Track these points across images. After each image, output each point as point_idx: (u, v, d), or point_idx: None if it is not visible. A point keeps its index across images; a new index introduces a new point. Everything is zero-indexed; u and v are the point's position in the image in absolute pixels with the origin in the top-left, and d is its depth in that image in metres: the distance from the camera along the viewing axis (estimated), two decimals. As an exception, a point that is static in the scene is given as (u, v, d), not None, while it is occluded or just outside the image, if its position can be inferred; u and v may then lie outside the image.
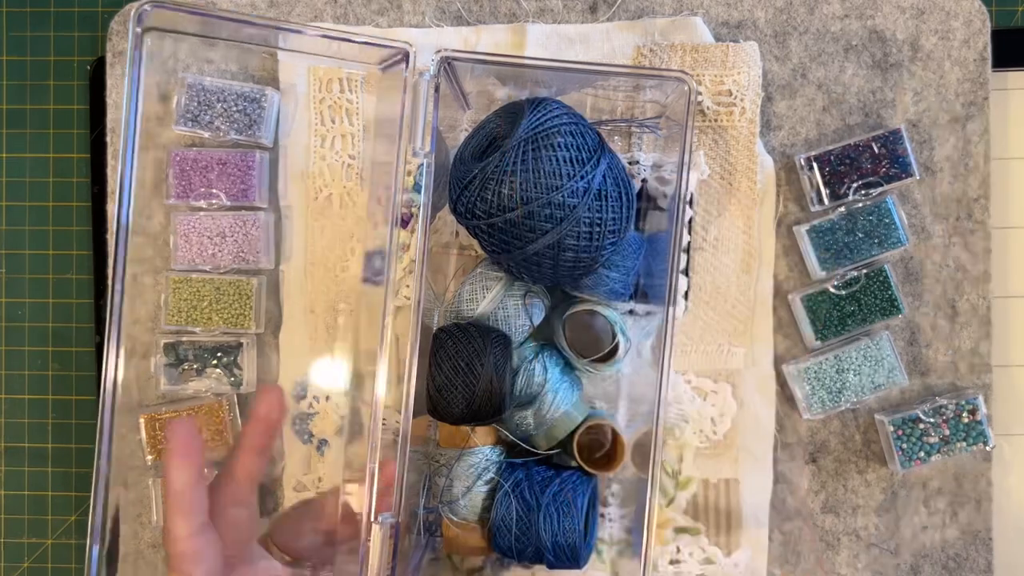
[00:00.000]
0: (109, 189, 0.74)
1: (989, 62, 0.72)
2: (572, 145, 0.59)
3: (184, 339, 0.74)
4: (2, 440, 0.78)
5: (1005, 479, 0.75)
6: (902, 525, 0.73)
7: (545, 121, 0.60)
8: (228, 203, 0.73)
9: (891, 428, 0.71)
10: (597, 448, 0.71)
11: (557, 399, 0.67)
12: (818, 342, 0.72)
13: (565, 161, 0.59)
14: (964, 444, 0.71)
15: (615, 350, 0.69)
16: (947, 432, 0.71)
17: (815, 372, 0.71)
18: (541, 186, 0.58)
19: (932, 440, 0.71)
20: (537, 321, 0.69)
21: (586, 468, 0.69)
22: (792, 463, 0.74)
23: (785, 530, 0.74)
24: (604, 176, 0.60)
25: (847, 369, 0.71)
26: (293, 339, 0.74)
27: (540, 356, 0.68)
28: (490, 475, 0.68)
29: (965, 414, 0.71)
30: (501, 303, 0.67)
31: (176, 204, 0.73)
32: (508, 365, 0.64)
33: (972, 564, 0.73)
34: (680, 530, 0.73)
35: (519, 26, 0.73)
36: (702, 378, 0.73)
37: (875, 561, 0.74)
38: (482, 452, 0.68)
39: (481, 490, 0.68)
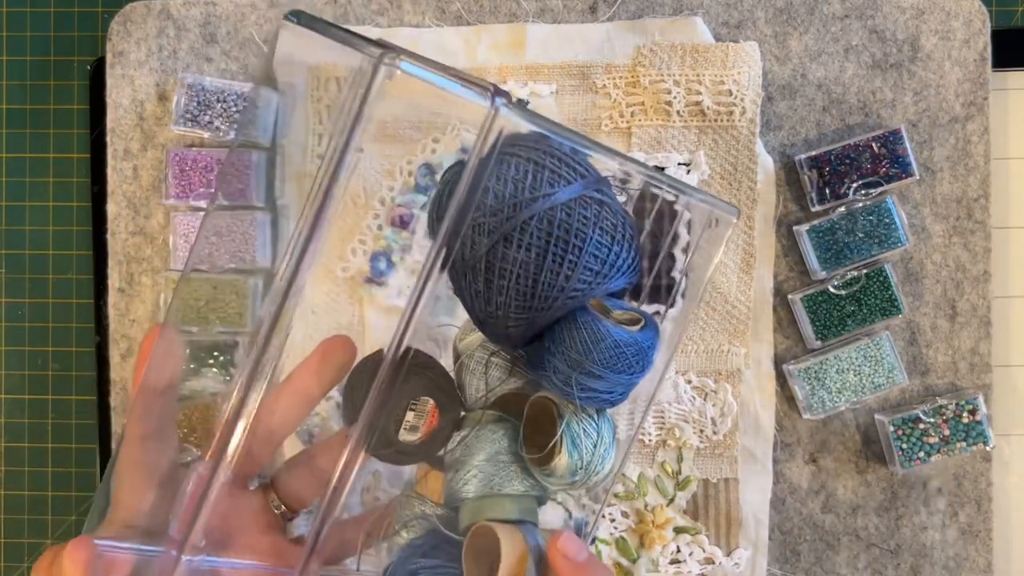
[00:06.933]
0: (109, 189, 0.74)
1: (989, 62, 0.72)
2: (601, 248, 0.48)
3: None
4: (2, 440, 0.78)
5: (1005, 479, 0.75)
6: (902, 525, 0.73)
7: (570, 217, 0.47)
8: (226, 203, 0.73)
9: (891, 428, 0.71)
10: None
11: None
12: (818, 342, 0.72)
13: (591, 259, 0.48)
14: (964, 444, 0.71)
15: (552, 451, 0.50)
16: (947, 432, 0.71)
17: (815, 372, 0.71)
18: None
19: (932, 440, 0.71)
20: (494, 384, 0.55)
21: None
22: (792, 463, 0.74)
23: (785, 530, 0.74)
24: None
25: (847, 369, 0.71)
26: (292, 339, 0.74)
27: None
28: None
29: (965, 414, 0.71)
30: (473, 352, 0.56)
31: (175, 204, 0.73)
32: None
33: (972, 564, 0.73)
34: (680, 530, 0.73)
35: (519, 26, 0.73)
36: (702, 378, 0.73)
37: (875, 561, 0.73)
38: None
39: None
